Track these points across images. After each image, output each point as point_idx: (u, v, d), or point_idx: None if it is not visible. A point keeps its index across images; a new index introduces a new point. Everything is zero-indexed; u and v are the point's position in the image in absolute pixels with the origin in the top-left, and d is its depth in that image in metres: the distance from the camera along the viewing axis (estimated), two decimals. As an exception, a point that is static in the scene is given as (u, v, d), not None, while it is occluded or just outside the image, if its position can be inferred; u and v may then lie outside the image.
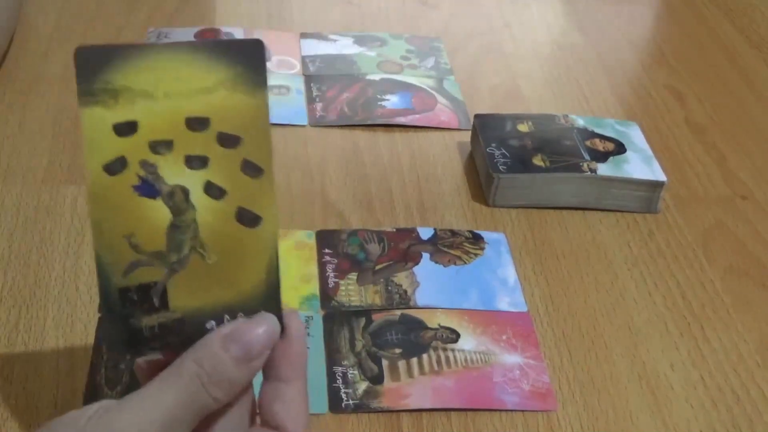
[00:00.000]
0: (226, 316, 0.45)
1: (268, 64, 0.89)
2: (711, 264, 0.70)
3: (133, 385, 0.55)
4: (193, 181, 0.44)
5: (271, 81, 0.86)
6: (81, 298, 0.61)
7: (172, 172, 0.43)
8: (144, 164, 0.43)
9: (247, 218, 0.44)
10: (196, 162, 0.44)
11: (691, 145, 0.84)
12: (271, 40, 0.93)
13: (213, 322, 0.44)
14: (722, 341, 0.64)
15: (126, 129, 0.43)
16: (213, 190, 0.44)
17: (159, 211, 0.43)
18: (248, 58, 0.44)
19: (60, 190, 0.71)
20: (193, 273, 0.44)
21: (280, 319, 0.45)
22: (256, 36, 0.93)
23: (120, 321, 0.44)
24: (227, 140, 0.44)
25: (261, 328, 0.43)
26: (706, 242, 0.73)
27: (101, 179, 0.43)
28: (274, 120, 0.83)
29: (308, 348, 0.59)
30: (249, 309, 0.45)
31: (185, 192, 0.44)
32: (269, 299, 0.45)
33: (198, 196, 0.44)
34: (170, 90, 0.43)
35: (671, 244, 0.72)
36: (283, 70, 0.89)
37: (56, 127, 0.78)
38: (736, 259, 0.71)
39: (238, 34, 0.93)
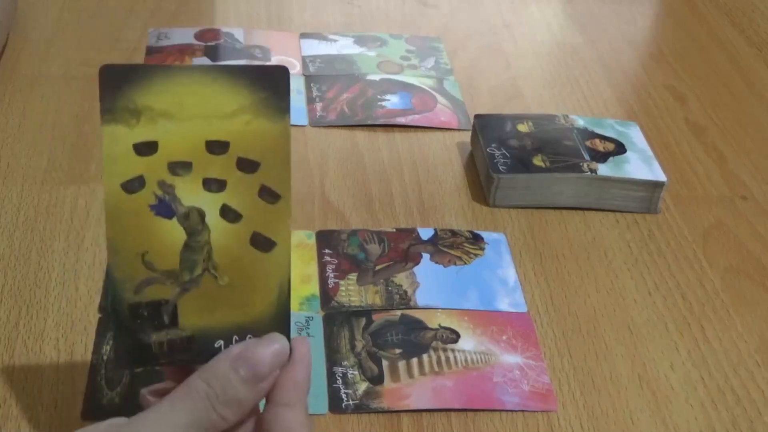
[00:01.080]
0: (235, 337, 0.45)
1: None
2: (711, 264, 0.70)
3: (133, 386, 0.55)
4: (210, 203, 0.44)
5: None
6: (81, 299, 0.61)
7: (190, 193, 0.44)
8: (162, 184, 0.44)
9: (262, 243, 0.45)
10: (214, 185, 0.44)
11: (691, 145, 0.84)
12: (271, 40, 0.93)
13: (222, 342, 0.45)
14: (722, 341, 0.64)
15: (146, 149, 0.43)
16: (229, 214, 0.45)
17: (174, 231, 0.44)
18: (272, 84, 0.44)
19: (60, 190, 0.71)
20: (204, 293, 0.45)
21: (289, 342, 0.45)
22: (255, 36, 0.93)
23: (129, 336, 0.44)
24: (246, 165, 0.44)
25: (270, 349, 0.44)
26: (706, 242, 0.73)
27: (118, 197, 0.43)
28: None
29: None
30: (258, 331, 0.45)
31: (201, 214, 0.44)
32: (279, 322, 0.46)
33: (214, 219, 0.44)
34: (192, 112, 0.44)
35: (671, 244, 0.72)
36: (283, 70, 0.88)
37: (56, 127, 0.78)
38: (735, 259, 0.71)
39: (238, 34, 0.93)
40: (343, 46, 0.93)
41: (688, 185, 0.79)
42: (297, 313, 0.62)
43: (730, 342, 0.64)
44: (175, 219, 0.44)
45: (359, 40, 0.95)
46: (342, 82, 0.87)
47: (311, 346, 0.59)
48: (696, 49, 1.01)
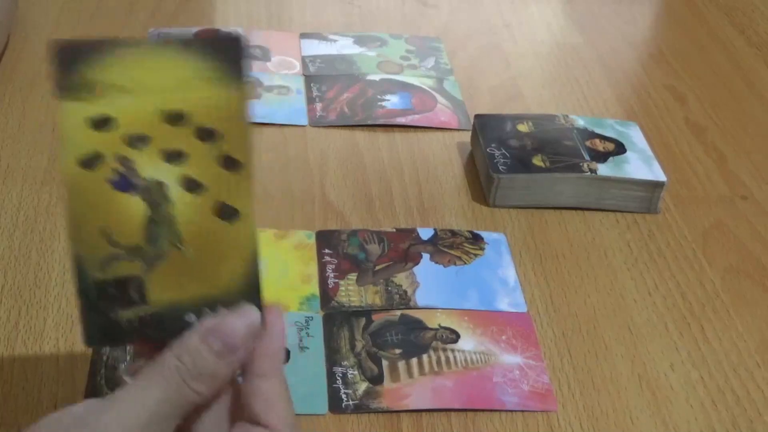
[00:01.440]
0: (206, 310, 0.44)
1: (268, 65, 0.89)
2: (711, 264, 0.70)
3: (133, 385, 0.55)
4: (171, 175, 0.43)
5: (271, 81, 0.86)
6: (81, 299, 0.61)
7: (149, 166, 0.43)
8: (120, 159, 0.43)
9: (226, 212, 0.44)
10: (174, 156, 0.43)
11: (691, 145, 0.84)
12: (271, 40, 0.93)
13: (193, 316, 0.44)
14: (722, 341, 0.64)
15: (102, 123, 0.43)
16: (190, 185, 0.44)
17: (136, 206, 0.43)
18: (227, 53, 0.44)
19: (60, 190, 0.71)
20: (171, 267, 0.44)
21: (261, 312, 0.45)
22: (255, 36, 0.93)
23: (98, 314, 0.44)
24: (205, 134, 0.44)
25: (241, 320, 0.43)
26: (706, 242, 0.73)
27: (77, 173, 0.43)
28: (274, 120, 0.83)
29: (308, 348, 0.59)
30: (229, 303, 0.44)
31: (162, 186, 0.43)
32: (249, 293, 0.45)
33: (175, 191, 0.43)
34: (147, 85, 0.43)
35: (671, 244, 0.72)
36: (283, 71, 0.89)
37: (56, 127, 0.78)
38: (735, 259, 0.71)
39: (238, 34, 0.93)
40: (343, 46, 0.93)
41: (688, 185, 0.79)
42: (297, 313, 0.62)
43: (730, 342, 0.64)
44: (136, 193, 0.43)
45: (359, 40, 0.95)
46: (342, 82, 0.87)
47: (311, 346, 0.59)
48: (696, 49, 1.01)
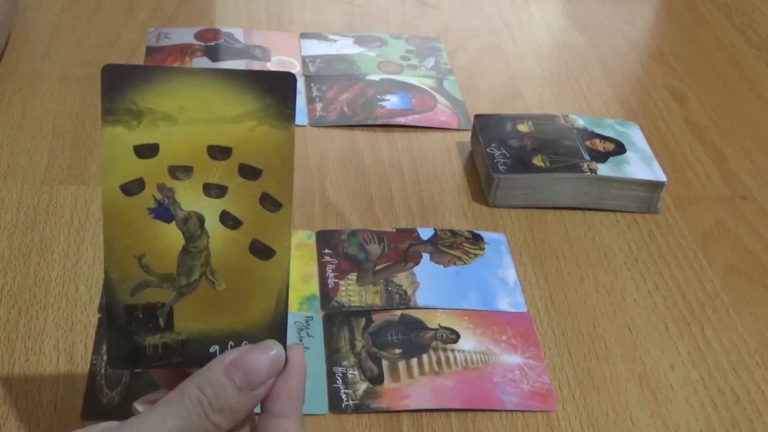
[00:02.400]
0: (231, 343, 0.45)
1: (268, 65, 0.89)
2: (711, 264, 0.70)
3: (133, 386, 0.55)
4: (210, 209, 0.44)
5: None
6: (81, 298, 0.61)
7: (190, 198, 0.44)
8: (161, 188, 0.43)
9: (261, 250, 0.45)
10: (215, 190, 0.44)
11: (691, 145, 0.84)
12: (271, 40, 0.93)
13: (217, 347, 0.45)
14: (722, 341, 0.64)
15: (146, 151, 0.43)
16: (229, 220, 0.44)
17: (172, 236, 0.44)
18: (279, 91, 0.44)
19: (60, 190, 0.71)
20: (201, 298, 0.44)
21: (285, 350, 0.45)
22: (255, 36, 0.93)
23: (124, 337, 0.44)
24: (248, 172, 0.44)
25: (266, 356, 0.43)
26: (705, 242, 0.73)
27: (117, 198, 0.43)
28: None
29: (308, 348, 0.59)
30: (254, 338, 0.45)
31: (201, 219, 0.44)
32: (275, 330, 0.45)
33: (213, 224, 0.44)
34: (195, 116, 0.43)
35: (671, 244, 0.72)
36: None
37: (56, 127, 0.78)
38: (735, 259, 0.71)
39: (238, 34, 0.93)
40: (343, 46, 0.93)
41: (688, 185, 0.79)
42: (297, 313, 0.62)
43: (730, 342, 0.64)
44: (173, 223, 0.43)
45: (359, 40, 0.95)
46: (342, 82, 0.87)
47: (311, 346, 0.59)
48: (696, 49, 1.01)
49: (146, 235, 0.43)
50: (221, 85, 0.43)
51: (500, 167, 0.73)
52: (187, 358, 0.45)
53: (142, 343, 0.44)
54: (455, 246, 0.69)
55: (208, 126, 0.43)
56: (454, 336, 0.61)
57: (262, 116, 0.44)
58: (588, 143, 0.77)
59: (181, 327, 0.44)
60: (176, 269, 0.44)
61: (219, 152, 0.44)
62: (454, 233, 0.70)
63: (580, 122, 0.80)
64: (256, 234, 0.44)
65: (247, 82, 0.43)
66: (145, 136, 0.43)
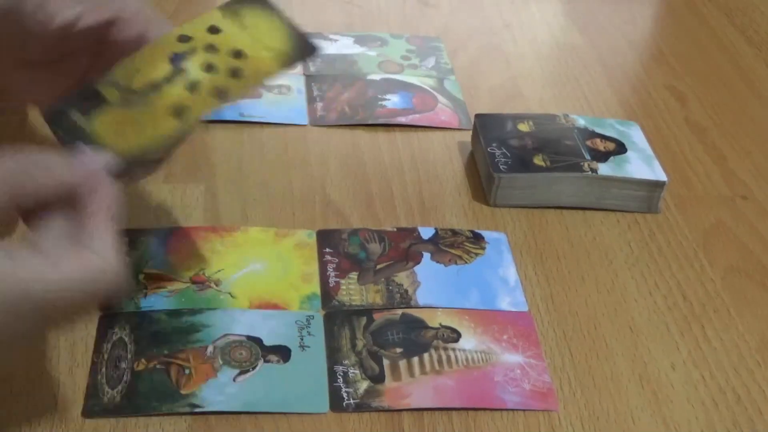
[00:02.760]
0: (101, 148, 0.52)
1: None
2: (711, 264, 0.70)
3: (134, 384, 0.55)
4: (199, 66, 0.55)
5: (272, 80, 0.86)
6: (81, 298, 0.61)
7: (195, 60, 0.55)
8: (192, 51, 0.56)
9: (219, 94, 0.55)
10: (210, 68, 0.55)
11: (691, 145, 0.84)
12: (271, 39, 0.93)
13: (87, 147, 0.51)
14: (723, 341, 0.64)
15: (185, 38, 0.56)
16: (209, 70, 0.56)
17: (164, 69, 0.55)
18: (300, 51, 0.57)
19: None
20: (126, 115, 0.53)
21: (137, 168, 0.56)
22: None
23: (67, 102, 0.54)
24: (238, 54, 0.56)
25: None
26: (706, 242, 0.73)
27: (169, 38, 0.56)
28: (274, 119, 0.83)
29: (309, 347, 0.59)
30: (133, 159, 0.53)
31: (188, 72, 0.55)
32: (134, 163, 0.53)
33: (196, 71, 0.55)
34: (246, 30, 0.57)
35: (672, 244, 0.72)
36: (283, 70, 0.88)
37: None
38: (736, 259, 0.71)
39: (239, 33, 0.93)
40: (344, 46, 0.93)
41: (689, 185, 0.79)
42: (298, 312, 0.62)
43: (730, 342, 0.64)
44: (173, 66, 0.55)
45: (359, 40, 0.95)
46: (342, 81, 0.87)
47: (312, 345, 0.59)
48: (696, 49, 1.01)
49: (154, 63, 0.55)
50: (276, 21, 0.57)
51: (501, 167, 0.73)
52: (68, 137, 0.52)
53: (73, 118, 0.53)
54: (456, 245, 0.69)
55: (250, 39, 0.56)
56: (455, 335, 0.61)
57: (277, 55, 0.56)
58: (588, 143, 0.77)
59: (96, 125, 0.52)
60: (144, 88, 0.54)
61: (236, 54, 0.56)
62: (454, 232, 0.70)
63: (581, 122, 0.80)
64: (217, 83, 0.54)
65: (292, 31, 0.57)
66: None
